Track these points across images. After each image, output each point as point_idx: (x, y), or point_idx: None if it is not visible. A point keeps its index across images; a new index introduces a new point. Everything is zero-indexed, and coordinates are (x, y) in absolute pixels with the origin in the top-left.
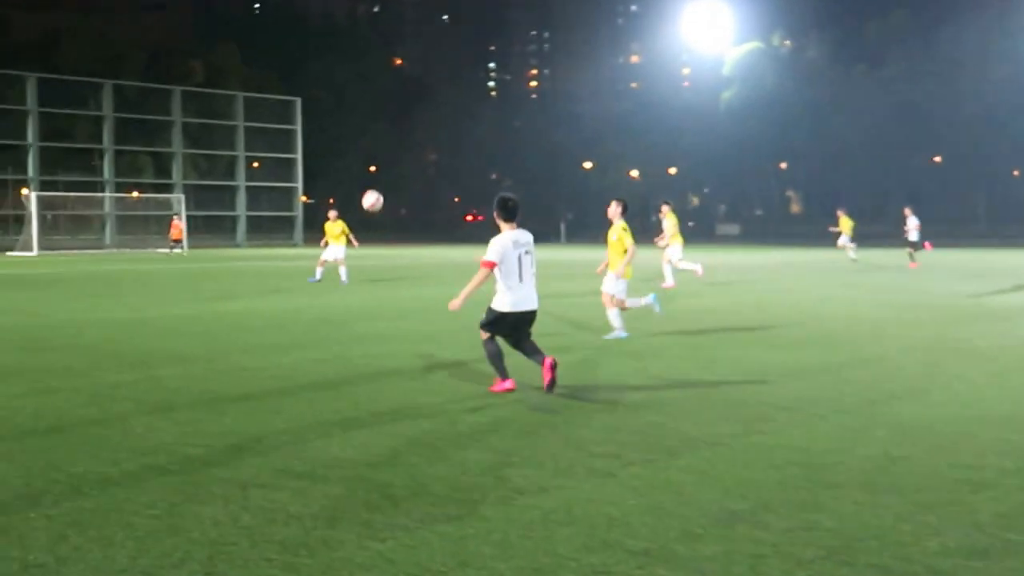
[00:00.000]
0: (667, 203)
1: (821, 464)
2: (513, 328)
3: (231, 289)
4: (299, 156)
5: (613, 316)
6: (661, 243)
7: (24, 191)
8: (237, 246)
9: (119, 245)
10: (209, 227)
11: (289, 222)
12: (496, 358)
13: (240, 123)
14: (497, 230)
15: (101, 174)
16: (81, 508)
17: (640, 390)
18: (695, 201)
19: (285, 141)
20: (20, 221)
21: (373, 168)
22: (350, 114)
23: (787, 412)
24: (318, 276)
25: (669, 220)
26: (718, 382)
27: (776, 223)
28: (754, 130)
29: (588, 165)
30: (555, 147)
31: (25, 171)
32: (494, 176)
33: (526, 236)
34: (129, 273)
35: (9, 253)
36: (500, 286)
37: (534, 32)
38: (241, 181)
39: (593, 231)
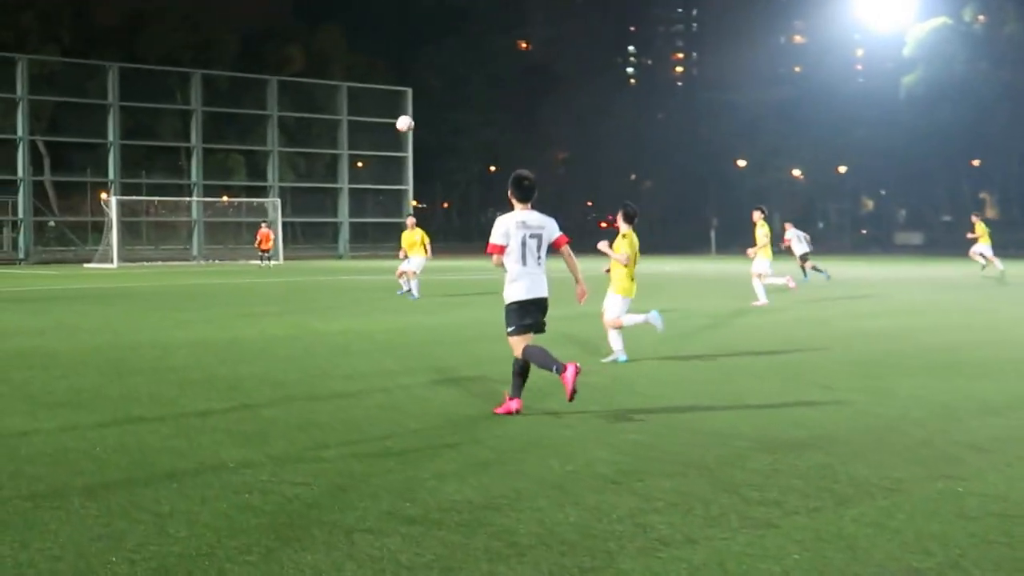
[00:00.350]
0: (760, 209)
1: (1022, 515)
2: (524, 320)
3: (332, 306)
4: (409, 154)
5: (613, 337)
6: (751, 254)
7: (104, 195)
8: (339, 256)
9: (207, 256)
10: (308, 235)
11: (397, 230)
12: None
13: (343, 117)
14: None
15: (188, 176)
16: (167, 552)
17: (803, 426)
18: (869, 205)
19: (394, 137)
20: (99, 229)
21: (493, 168)
22: (468, 106)
23: (980, 453)
24: (414, 292)
25: (762, 229)
26: (896, 417)
27: (967, 230)
28: (941, 121)
29: (742, 163)
30: (703, 142)
31: (105, 172)
32: (633, 177)
33: (538, 219)
34: (219, 287)
35: (87, 265)
36: (507, 275)
37: (680, 9)
38: (344, 183)
39: (747, 239)
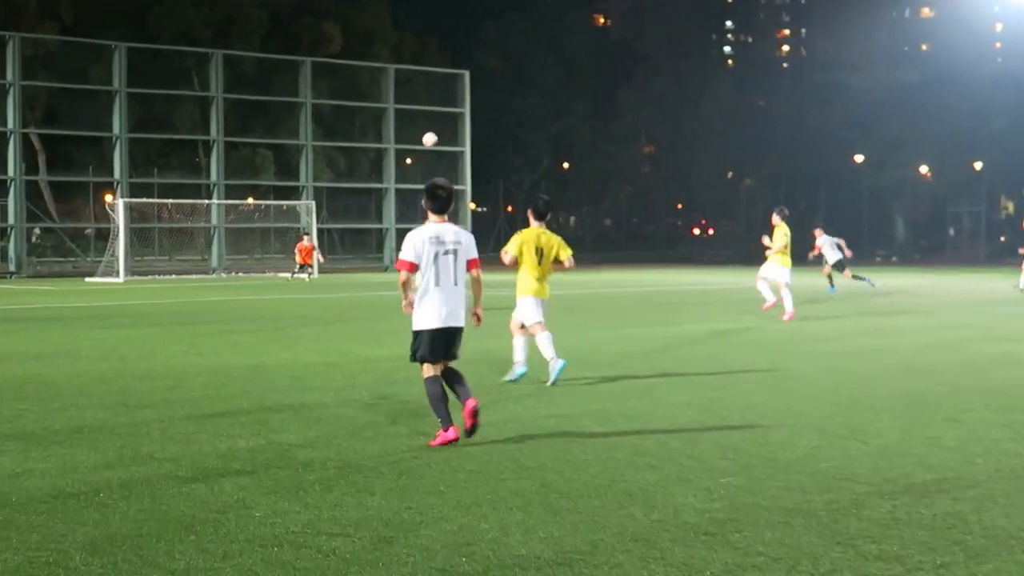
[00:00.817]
0: (779, 210)
1: None
2: (435, 349)
3: (376, 327)
4: (467, 149)
5: (517, 346)
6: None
7: (109, 198)
8: (384, 268)
9: (229, 268)
10: (348, 243)
11: None
12: (438, 400)
13: (390, 105)
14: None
15: (207, 174)
16: None
17: (928, 467)
18: (1009, 208)
19: (449, 129)
20: (103, 237)
21: (566, 164)
22: (535, 93)
23: None
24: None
25: (779, 231)
26: None
27: None
28: None
29: (859, 158)
30: (813, 134)
31: (110, 171)
32: (729, 175)
33: (454, 233)
34: (243, 305)
35: (90, 279)
36: (417, 296)
37: None
38: (390, 183)
39: (862, 247)
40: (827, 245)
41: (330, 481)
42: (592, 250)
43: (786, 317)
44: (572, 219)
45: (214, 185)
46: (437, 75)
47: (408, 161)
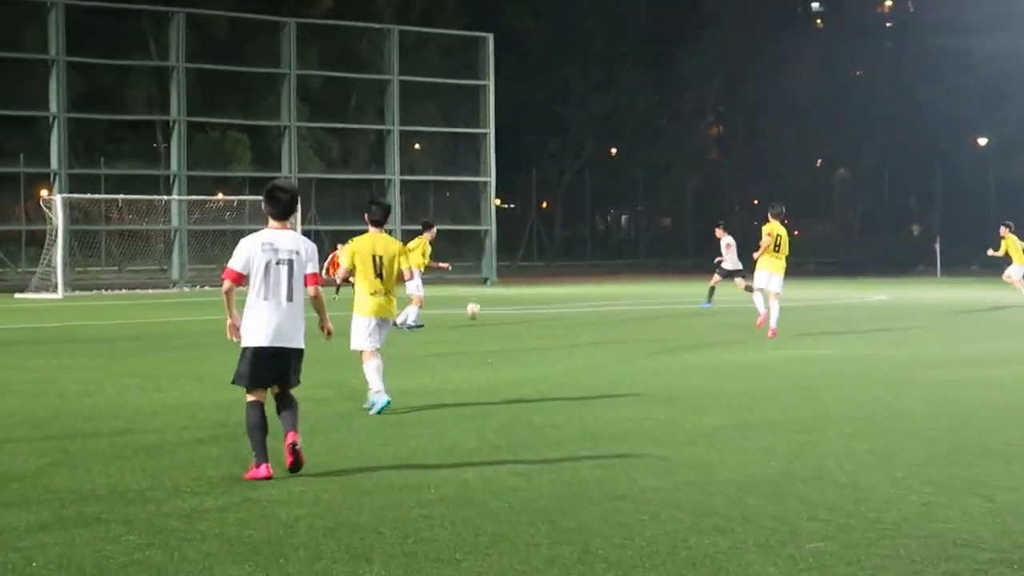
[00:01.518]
0: (773, 208)
1: None
2: (257, 373)
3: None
4: (491, 131)
5: (369, 374)
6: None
7: (44, 193)
8: None
9: (195, 281)
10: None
11: (474, 241)
12: (256, 430)
13: (393, 76)
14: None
15: (166, 164)
16: None
17: None
18: None
19: (468, 106)
20: (37, 242)
21: (614, 150)
22: (577, 61)
23: None
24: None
25: (767, 229)
26: None
27: None
28: None
29: (982, 141)
30: (924, 112)
31: (46, 160)
32: (818, 162)
33: (292, 241)
34: (211, 327)
35: (20, 295)
36: (246, 311)
37: None
38: (394, 173)
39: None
40: (732, 248)
41: (318, 545)
42: (648, 255)
43: (769, 334)
44: (623, 218)
45: (175, 177)
46: (453, 39)
47: (416, 147)
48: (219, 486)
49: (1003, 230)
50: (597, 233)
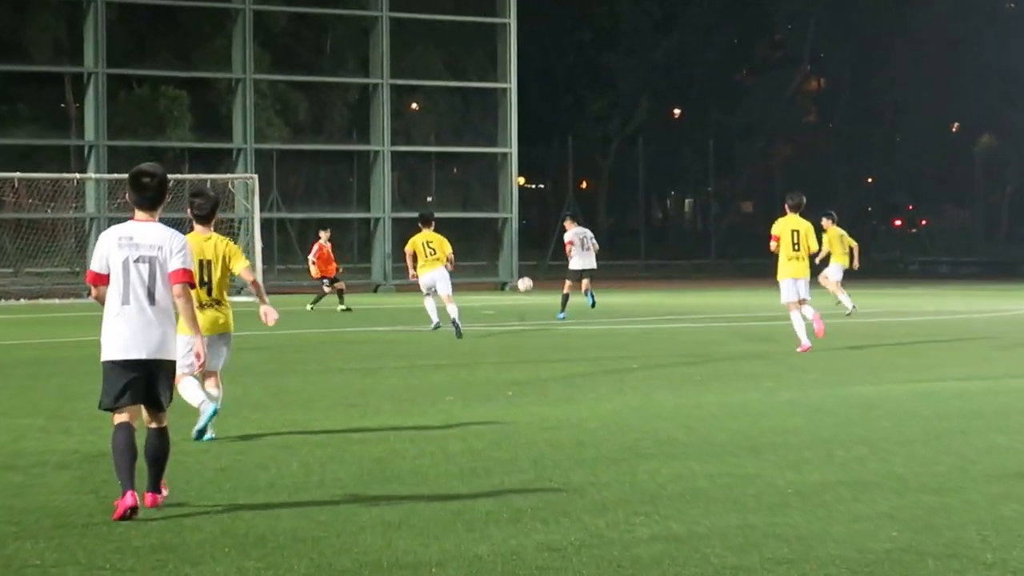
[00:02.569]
0: (793, 200)
1: None
2: (117, 390)
3: (366, 387)
4: (512, 86)
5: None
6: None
7: None
8: (374, 288)
9: None
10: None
11: (489, 233)
12: (119, 454)
13: (382, 13)
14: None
15: (79, 131)
16: None
17: None
18: None
19: (482, 52)
20: None
21: (677, 111)
22: None
23: None
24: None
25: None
26: None
27: None
28: None
29: None
30: None
31: None
32: (955, 127)
33: (156, 235)
34: None
35: None
36: (104, 316)
37: None
38: (382, 143)
39: None
40: (579, 243)
41: None
42: (722, 252)
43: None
44: (688, 203)
45: (91, 148)
46: None
47: (413, 107)
48: (147, 560)
49: (825, 222)
50: (653, 223)
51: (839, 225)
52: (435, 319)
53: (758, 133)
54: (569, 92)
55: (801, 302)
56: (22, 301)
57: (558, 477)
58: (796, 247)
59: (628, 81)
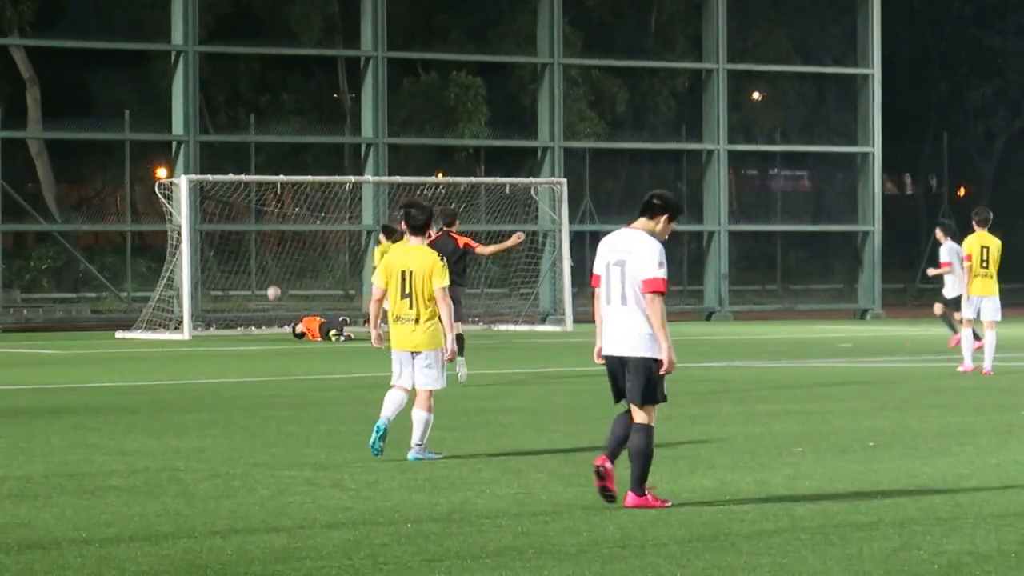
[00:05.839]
0: (980, 216)
1: None
2: None
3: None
4: (875, 71)
5: None
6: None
7: (162, 173)
8: (705, 314)
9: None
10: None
11: (845, 249)
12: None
13: None
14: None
15: (354, 127)
16: None
17: None
18: None
19: (837, 32)
20: (152, 252)
21: None
22: None
23: None
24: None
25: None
26: None
27: None
28: None
29: None
30: None
31: (166, 124)
32: None
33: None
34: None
35: (125, 334)
36: None
37: None
38: (718, 141)
39: None
40: (957, 263)
41: None
42: None
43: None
44: None
45: (369, 147)
46: None
47: (755, 96)
48: None
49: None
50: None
51: None
52: None
53: None
54: (944, 79)
55: (992, 323)
56: (284, 328)
57: (928, 545)
58: (985, 264)
59: (1018, 66)
